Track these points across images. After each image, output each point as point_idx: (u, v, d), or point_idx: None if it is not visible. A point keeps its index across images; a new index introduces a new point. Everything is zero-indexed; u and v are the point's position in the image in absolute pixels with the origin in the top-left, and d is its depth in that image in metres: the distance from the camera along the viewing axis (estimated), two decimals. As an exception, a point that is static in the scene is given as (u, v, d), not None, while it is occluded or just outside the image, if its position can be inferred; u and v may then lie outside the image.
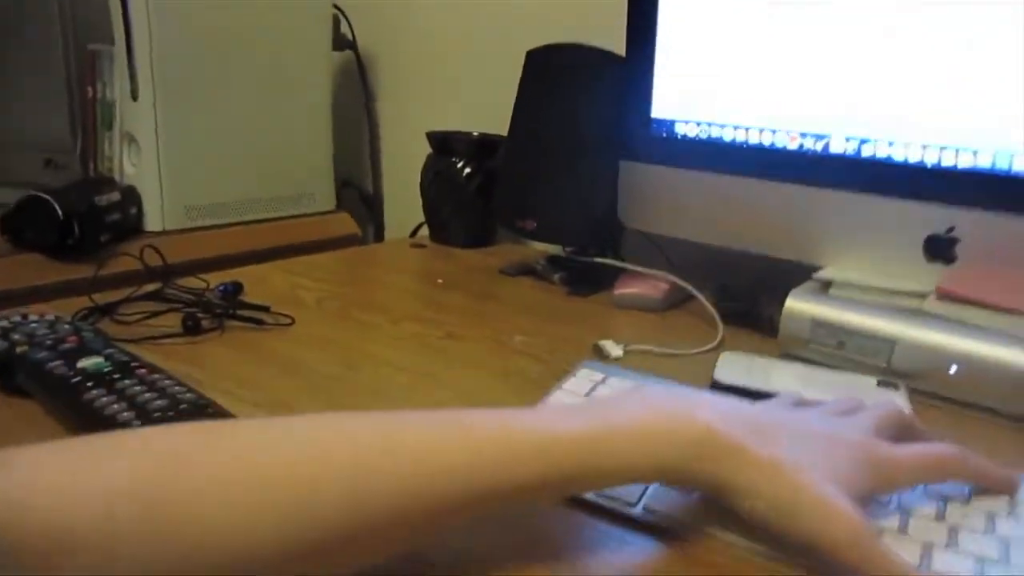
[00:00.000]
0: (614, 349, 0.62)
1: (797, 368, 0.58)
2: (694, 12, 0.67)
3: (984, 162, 0.56)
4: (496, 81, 1.01)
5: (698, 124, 0.69)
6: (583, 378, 0.52)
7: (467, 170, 0.93)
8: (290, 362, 0.58)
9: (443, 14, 1.09)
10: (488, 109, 1.01)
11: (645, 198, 0.74)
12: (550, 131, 0.77)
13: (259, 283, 0.75)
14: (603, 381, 0.51)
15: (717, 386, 0.54)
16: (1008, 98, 0.54)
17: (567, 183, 0.77)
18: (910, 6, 0.57)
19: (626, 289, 0.74)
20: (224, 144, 0.98)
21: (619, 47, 0.72)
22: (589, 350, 0.63)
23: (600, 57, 0.74)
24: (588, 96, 0.75)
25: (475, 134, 0.95)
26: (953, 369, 0.54)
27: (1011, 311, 0.55)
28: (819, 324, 0.60)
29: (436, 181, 0.96)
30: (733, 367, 0.56)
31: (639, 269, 0.75)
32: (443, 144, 0.95)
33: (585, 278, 0.79)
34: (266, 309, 0.66)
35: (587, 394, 0.50)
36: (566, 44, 0.75)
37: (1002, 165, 0.56)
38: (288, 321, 0.65)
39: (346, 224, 1.12)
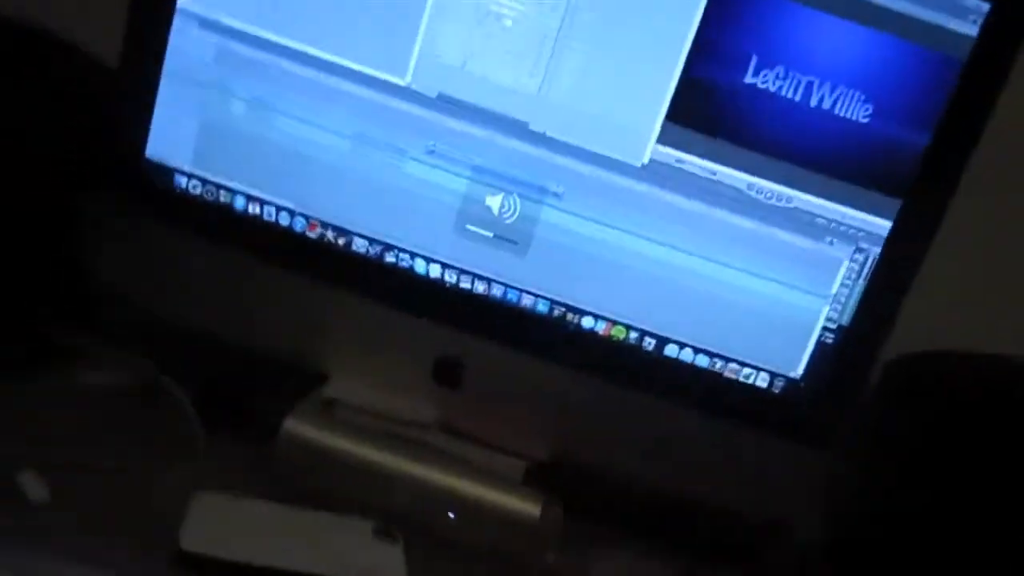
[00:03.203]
0: (36, 489, 0.43)
1: (285, 514, 0.48)
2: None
3: (496, 292, 0.56)
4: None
5: (204, 183, 0.55)
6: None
7: None
8: None
9: None
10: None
11: (127, 257, 0.56)
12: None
13: None
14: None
15: (186, 558, 0.41)
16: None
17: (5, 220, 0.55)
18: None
19: (88, 378, 0.55)
20: None
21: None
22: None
23: (80, 60, 0.55)
24: (54, 105, 0.54)
25: None
26: (450, 516, 0.52)
27: (505, 451, 0.55)
28: (318, 453, 0.52)
29: None
30: (206, 522, 0.44)
31: (101, 351, 0.57)
32: None
33: (29, 355, 0.57)
34: None
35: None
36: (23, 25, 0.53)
37: (511, 299, 0.56)
38: None
39: None
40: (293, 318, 0.57)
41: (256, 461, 0.53)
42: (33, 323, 0.55)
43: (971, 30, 0.49)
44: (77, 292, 0.55)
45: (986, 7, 0.49)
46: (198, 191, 0.55)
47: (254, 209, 0.55)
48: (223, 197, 0.55)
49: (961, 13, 0.49)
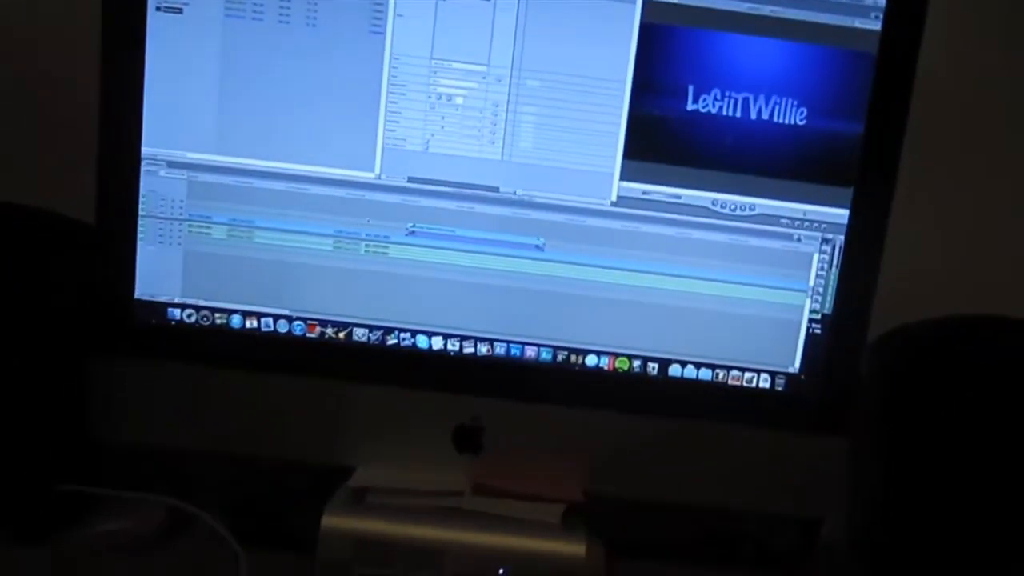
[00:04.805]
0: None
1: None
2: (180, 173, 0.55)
3: (500, 351, 0.58)
4: None
5: (198, 309, 0.57)
6: None
7: None
8: None
9: None
10: None
11: (126, 402, 0.57)
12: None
13: None
14: None
15: None
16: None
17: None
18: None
19: (107, 526, 0.55)
20: None
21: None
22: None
23: (58, 224, 0.56)
24: (36, 274, 0.55)
25: None
26: (501, 572, 0.52)
27: (539, 498, 0.56)
28: (363, 542, 0.53)
29: None
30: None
31: (124, 495, 0.57)
32: None
33: (44, 515, 0.56)
34: None
35: None
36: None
37: (515, 353, 0.58)
38: None
39: None
40: (309, 420, 0.58)
41: (302, 568, 0.53)
42: (49, 487, 0.55)
43: (875, 25, 0.54)
44: (94, 449, 0.55)
45: (883, 2, 0.54)
46: (192, 319, 0.57)
47: (251, 324, 0.57)
48: (218, 319, 0.57)
49: (863, 12, 0.54)
